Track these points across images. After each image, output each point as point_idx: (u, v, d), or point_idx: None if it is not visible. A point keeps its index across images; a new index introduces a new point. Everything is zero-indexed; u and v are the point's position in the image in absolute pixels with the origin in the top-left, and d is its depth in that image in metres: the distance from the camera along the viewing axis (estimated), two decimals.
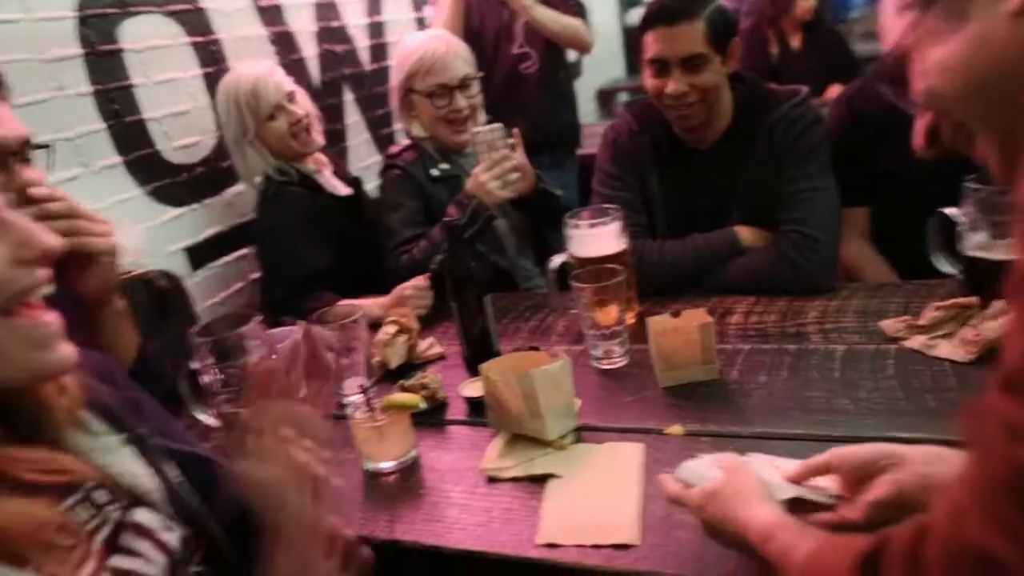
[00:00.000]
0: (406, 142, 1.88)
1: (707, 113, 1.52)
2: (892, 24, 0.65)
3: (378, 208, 1.86)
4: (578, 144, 2.86)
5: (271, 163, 1.79)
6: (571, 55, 3.81)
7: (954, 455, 0.69)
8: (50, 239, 0.61)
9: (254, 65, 1.80)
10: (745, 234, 1.53)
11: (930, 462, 0.71)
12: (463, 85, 1.80)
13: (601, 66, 5.81)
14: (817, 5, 3.40)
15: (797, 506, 0.76)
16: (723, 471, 0.78)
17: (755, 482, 0.75)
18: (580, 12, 2.62)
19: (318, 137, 1.85)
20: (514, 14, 2.57)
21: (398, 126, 2.87)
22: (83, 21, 1.61)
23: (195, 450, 0.84)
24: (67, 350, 0.63)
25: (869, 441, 0.80)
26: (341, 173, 1.98)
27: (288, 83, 1.80)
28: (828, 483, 0.80)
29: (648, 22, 1.48)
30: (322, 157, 1.92)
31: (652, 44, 1.47)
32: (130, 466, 0.72)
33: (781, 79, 3.57)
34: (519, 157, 1.67)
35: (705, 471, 0.82)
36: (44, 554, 0.58)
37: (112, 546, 0.67)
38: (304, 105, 1.82)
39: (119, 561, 0.66)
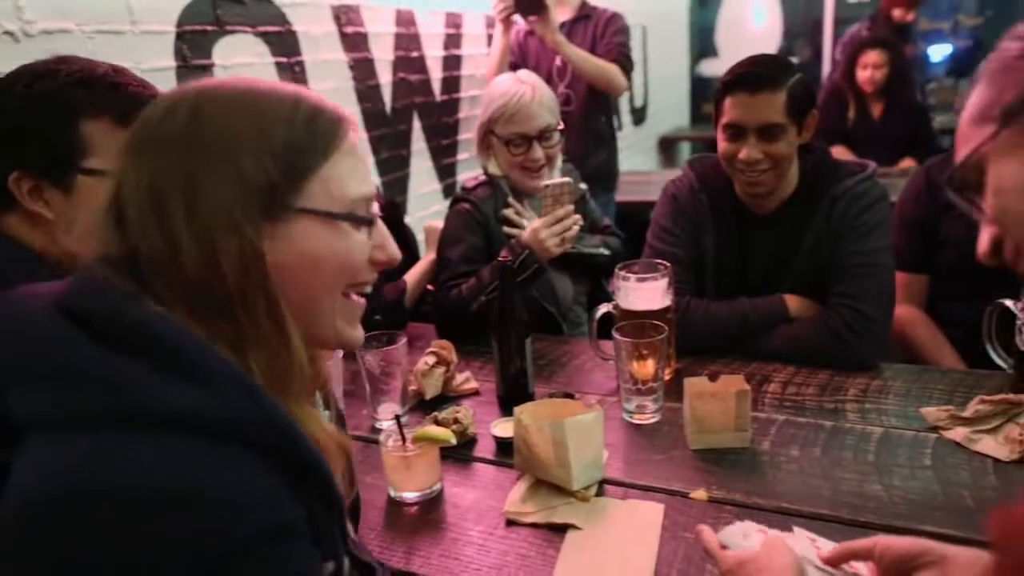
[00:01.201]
0: (482, 177, 1.88)
1: (776, 181, 1.51)
2: (969, 133, 0.65)
3: (441, 237, 1.87)
4: (613, 185, 3.05)
5: None
6: (625, 103, 3.85)
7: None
8: (397, 252, 0.75)
9: (311, 94, 1.87)
10: (794, 303, 1.52)
11: (972, 565, 0.70)
12: (543, 136, 1.78)
13: (666, 114, 5.84)
14: (890, 79, 3.37)
15: None
16: (763, 544, 0.79)
17: (791, 561, 0.75)
18: (621, 61, 2.75)
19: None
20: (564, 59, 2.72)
21: (462, 156, 2.95)
22: (180, 36, 1.72)
23: None
24: (362, 332, 0.75)
25: (898, 531, 0.79)
26: (394, 215, 2.04)
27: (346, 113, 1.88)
28: (864, 570, 0.79)
29: (730, 87, 1.47)
30: None
31: (731, 109, 1.47)
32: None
33: (854, 144, 3.56)
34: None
35: (744, 539, 0.83)
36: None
37: None
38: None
39: None
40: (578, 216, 1.70)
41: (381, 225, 0.74)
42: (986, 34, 5.84)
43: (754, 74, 1.46)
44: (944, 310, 1.78)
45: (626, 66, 2.77)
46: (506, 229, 1.78)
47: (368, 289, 0.74)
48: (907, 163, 3.34)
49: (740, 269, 1.61)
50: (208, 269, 0.59)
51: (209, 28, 1.79)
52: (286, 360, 0.63)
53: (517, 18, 2.73)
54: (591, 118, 2.86)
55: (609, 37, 2.76)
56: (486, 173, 1.87)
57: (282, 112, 0.65)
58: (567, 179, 1.70)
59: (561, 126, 1.83)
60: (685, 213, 1.64)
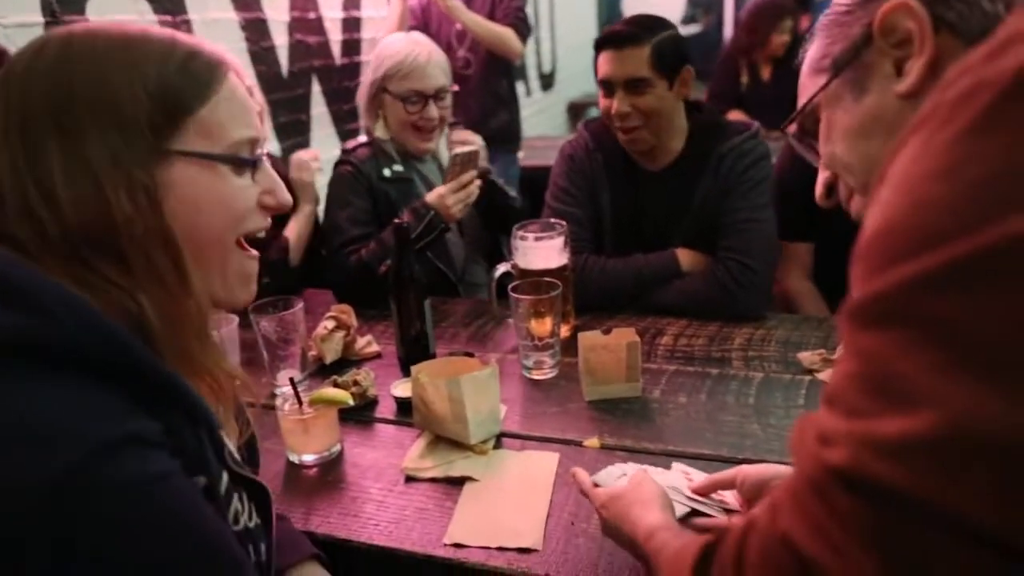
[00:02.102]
0: (363, 139, 1.89)
1: (655, 137, 1.58)
2: (807, 83, 0.70)
3: (327, 201, 1.85)
4: (516, 144, 3.10)
5: None
6: (534, 68, 3.86)
7: None
8: (288, 196, 0.74)
9: None
10: (685, 257, 1.59)
11: None
12: (438, 95, 1.79)
13: (575, 80, 5.88)
14: (791, 42, 3.50)
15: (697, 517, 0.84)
16: (631, 479, 0.84)
17: (656, 491, 0.80)
18: (517, 25, 2.78)
19: (267, 131, 1.88)
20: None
21: (364, 122, 2.89)
22: None
23: None
24: (254, 289, 0.74)
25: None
26: (275, 168, 1.99)
27: (247, 77, 1.81)
28: (730, 497, 0.86)
29: (599, 44, 1.56)
30: None
31: (601, 65, 1.56)
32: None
33: (748, 108, 3.69)
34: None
35: (617, 478, 0.89)
36: (228, 409, 0.71)
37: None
38: (259, 100, 1.84)
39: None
40: (479, 182, 1.73)
41: (270, 169, 0.73)
42: None
43: (620, 31, 1.54)
44: (829, 277, 1.86)
45: (522, 30, 2.80)
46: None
47: (262, 234, 0.73)
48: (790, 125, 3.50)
49: (635, 225, 1.66)
50: (93, 212, 0.59)
51: None
52: (184, 299, 0.63)
53: None
54: (492, 81, 2.89)
55: (507, 2, 2.77)
56: (369, 135, 1.87)
57: (156, 54, 0.64)
58: (475, 148, 1.72)
59: (455, 88, 1.84)
60: (581, 172, 1.68)
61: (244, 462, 0.80)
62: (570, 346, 1.40)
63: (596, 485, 0.88)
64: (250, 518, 0.71)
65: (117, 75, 0.61)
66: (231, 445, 0.71)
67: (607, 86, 1.56)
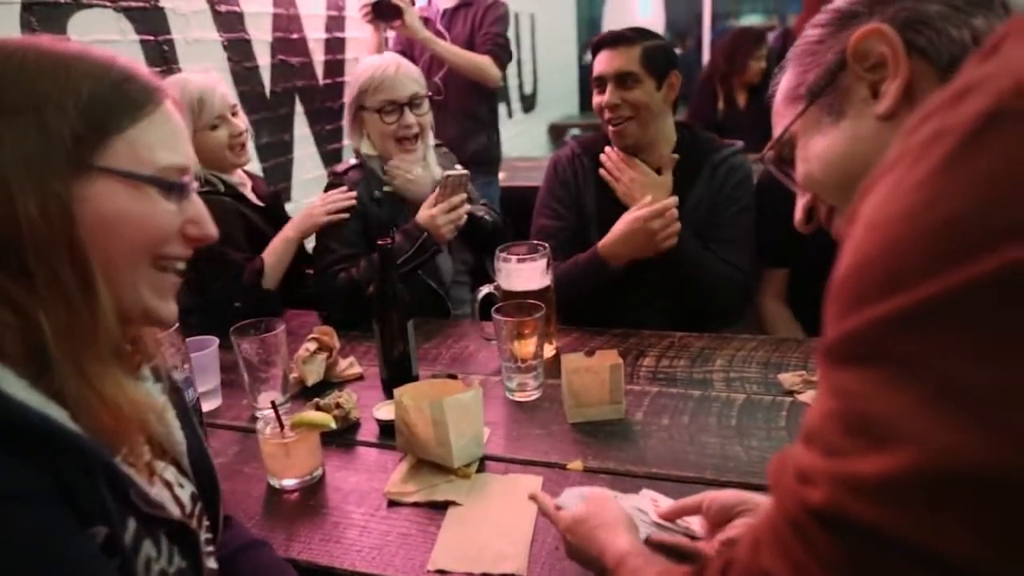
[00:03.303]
0: (353, 161, 1.90)
1: (642, 131, 1.67)
2: (782, 111, 0.72)
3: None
4: (495, 169, 3.12)
5: (200, 171, 1.78)
6: (515, 90, 3.88)
7: None
8: (214, 229, 0.74)
9: (202, 75, 1.79)
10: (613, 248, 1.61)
11: None
12: (412, 103, 1.82)
13: (556, 102, 5.94)
14: (767, 69, 3.58)
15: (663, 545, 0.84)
16: (589, 501, 0.85)
17: (619, 513, 0.81)
18: (495, 51, 2.78)
19: (248, 152, 1.87)
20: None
21: (347, 142, 2.89)
22: (27, 8, 1.59)
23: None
24: (175, 307, 0.73)
25: (756, 488, 0.86)
26: (258, 189, 1.96)
27: (232, 96, 1.81)
28: (695, 524, 0.87)
29: (596, 47, 1.70)
30: (242, 173, 1.92)
31: (596, 65, 1.69)
32: (168, 416, 0.76)
33: (724, 133, 3.75)
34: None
35: (580, 499, 0.89)
36: (136, 442, 0.67)
37: (150, 479, 0.71)
38: (243, 120, 1.84)
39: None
40: (468, 205, 1.77)
41: (198, 200, 0.73)
42: None
43: (614, 33, 1.69)
44: (803, 302, 1.89)
45: (501, 57, 2.80)
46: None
47: (181, 266, 0.72)
48: (768, 151, 3.57)
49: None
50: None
51: (62, 0, 1.66)
52: (87, 317, 0.61)
53: None
54: (470, 104, 2.89)
55: (487, 27, 2.78)
56: (357, 155, 1.90)
57: (91, 70, 0.64)
58: (465, 172, 1.76)
59: (428, 93, 1.88)
60: (563, 182, 1.78)
61: (190, 477, 0.78)
62: (553, 368, 1.40)
63: (558, 508, 0.88)
64: (170, 562, 0.68)
65: (45, 85, 0.61)
66: (142, 483, 0.68)
67: (600, 82, 1.67)
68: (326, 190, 1.86)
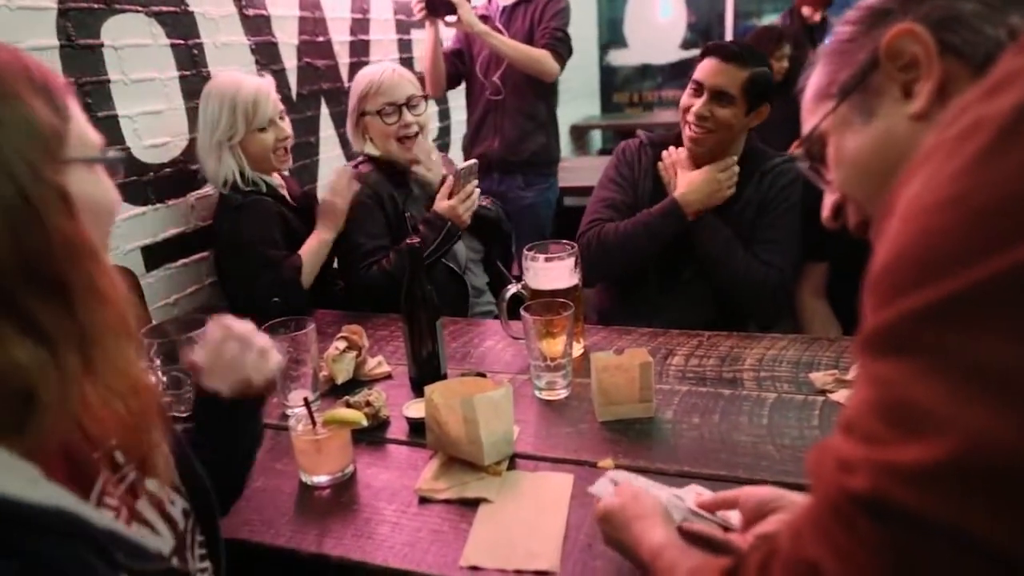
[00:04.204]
0: (361, 157, 2.02)
1: (716, 147, 1.74)
2: (812, 108, 0.71)
3: (345, 222, 1.90)
4: (553, 170, 3.06)
5: (247, 172, 1.84)
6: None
7: None
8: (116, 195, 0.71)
9: (255, 77, 1.88)
10: (687, 196, 1.73)
11: None
12: (410, 104, 1.94)
13: (577, 103, 5.93)
14: (790, 68, 3.54)
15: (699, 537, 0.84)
16: (623, 492, 0.85)
17: (655, 504, 0.82)
18: (554, 45, 2.74)
19: (290, 158, 1.97)
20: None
21: (355, 148, 2.92)
22: (63, 14, 1.62)
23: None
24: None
25: (788, 486, 0.86)
26: (291, 190, 2.03)
27: (280, 102, 1.90)
28: (733, 517, 0.87)
29: (709, 50, 1.73)
30: (279, 177, 2.01)
31: (701, 68, 1.72)
32: None
33: (757, 131, 3.75)
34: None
35: (608, 485, 0.91)
36: (109, 469, 0.66)
37: (131, 510, 0.69)
38: (288, 125, 1.94)
39: (137, 529, 0.68)
40: (478, 190, 1.94)
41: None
42: None
43: (731, 46, 1.73)
44: (841, 296, 1.89)
45: (560, 51, 2.75)
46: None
47: None
48: (797, 149, 3.54)
49: None
50: (16, 244, 0.54)
51: (96, 6, 1.69)
52: (119, 303, 0.61)
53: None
54: (528, 104, 2.85)
55: (547, 22, 2.74)
56: (365, 155, 2.01)
57: (16, 70, 0.60)
58: (473, 161, 1.93)
59: (424, 94, 1.99)
60: (628, 162, 1.87)
61: (195, 503, 0.78)
62: (580, 367, 1.40)
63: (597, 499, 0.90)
64: None
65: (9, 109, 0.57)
66: (129, 535, 0.64)
67: (697, 87, 1.72)
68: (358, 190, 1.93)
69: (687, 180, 1.75)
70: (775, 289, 1.72)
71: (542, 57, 2.72)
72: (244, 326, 0.92)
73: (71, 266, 0.57)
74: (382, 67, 1.96)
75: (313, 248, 1.84)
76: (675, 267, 1.80)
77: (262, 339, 0.93)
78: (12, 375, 0.53)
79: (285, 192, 1.97)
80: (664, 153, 1.85)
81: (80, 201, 0.61)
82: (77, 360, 0.57)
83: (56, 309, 0.56)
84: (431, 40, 2.73)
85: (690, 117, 1.73)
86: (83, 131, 0.65)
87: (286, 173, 2.05)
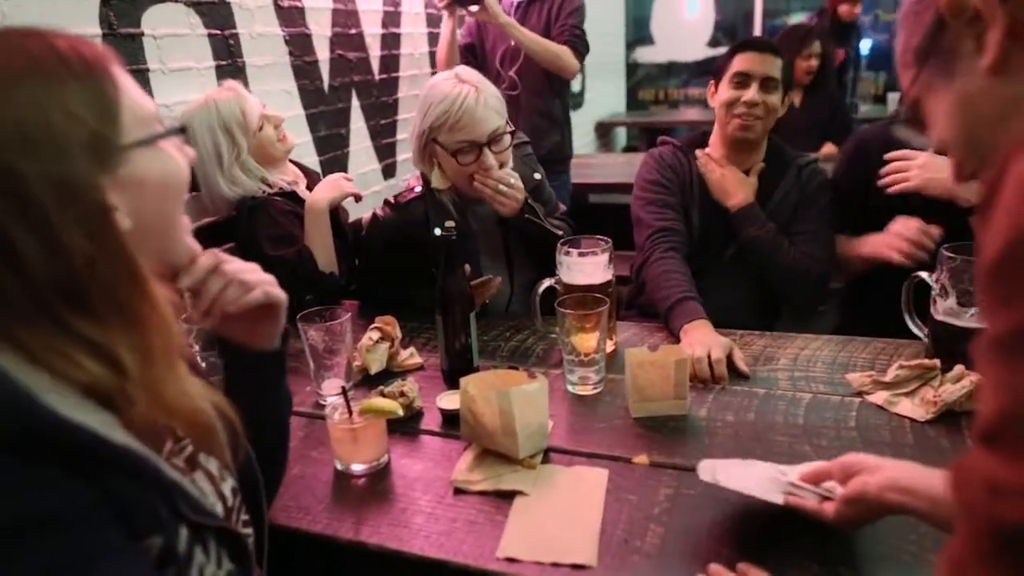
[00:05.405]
0: (417, 188, 1.73)
1: (763, 132, 1.79)
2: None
3: (363, 239, 1.83)
4: (566, 167, 3.07)
5: (267, 176, 1.79)
6: (575, 87, 3.87)
7: (930, 470, 0.80)
8: (193, 152, 0.75)
9: (222, 91, 1.78)
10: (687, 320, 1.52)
11: (901, 468, 0.82)
12: (492, 140, 1.59)
13: (603, 99, 5.91)
14: (820, 66, 3.51)
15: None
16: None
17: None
18: (573, 42, 2.75)
19: (290, 139, 1.89)
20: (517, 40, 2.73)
21: (401, 136, 2.92)
22: (106, 2, 1.64)
23: None
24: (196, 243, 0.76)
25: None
26: (312, 186, 1.92)
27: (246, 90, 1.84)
28: (837, 487, 0.89)
29: (741, 46, 1.80)
30: (296, 170, 1.93)
31: (740, 61, 1.77)
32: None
33: (780, 133, 3.71)
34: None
35: (712, 467, 0.97)
36: (201, 437, 0.70)
37: (189, 478, 0.71)
38: (270, 109, 1.86)
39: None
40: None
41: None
42: None
43: (763, 40, 1.90)
44: (871, 287, 1.86)
45: (579, 48, 2.76)
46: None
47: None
48: (828, 149, 3.49)
49: (723, 208, 1.80)
50: (53, 262, 0.56)
51: None
52: (154, 320, 0.62)
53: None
54: (544, 101, 2.86)
55: (564, 19, 2.75)
56: (424, 180, 1.72)
57: (56, 64, 0.60)
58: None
59: (511, 128, 1.66)
60: (671, 167, 1.85)
61: (242, 482, 0.79)
62: (613, 362, 1.40)
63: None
64: (219, 566, 0.68)
65: (44, 109, 0.58)
66: (190, 488, 0.68)
67: (741, 78, 1.76)
68: (381, 220, 1.76)
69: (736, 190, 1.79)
70: (819, 279, 1.76)
71: (563, 53, 2.73)
72: (238, 264, 0.84)
73: (100, 289, 0.59)
74: (463, 91, 1.57)
75: (309, 228, 1.74)
76: (718, 249, 1.79)
77: (253, 275, 0.86)
78: (82, 378, 0.58)
79: (301, 188, 1.87)
80: (699, 154, 1.85)
81: (147, 181, 0.63)
82: (137, 372, 0.60)
83: (96, 330, 0.58)
84: (448, 32, 2.73)
85: (740, 108, 1.75)
86: (136, 107, 0.66)
87: (308, 165, 2.01)
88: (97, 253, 0.58)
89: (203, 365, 1.19)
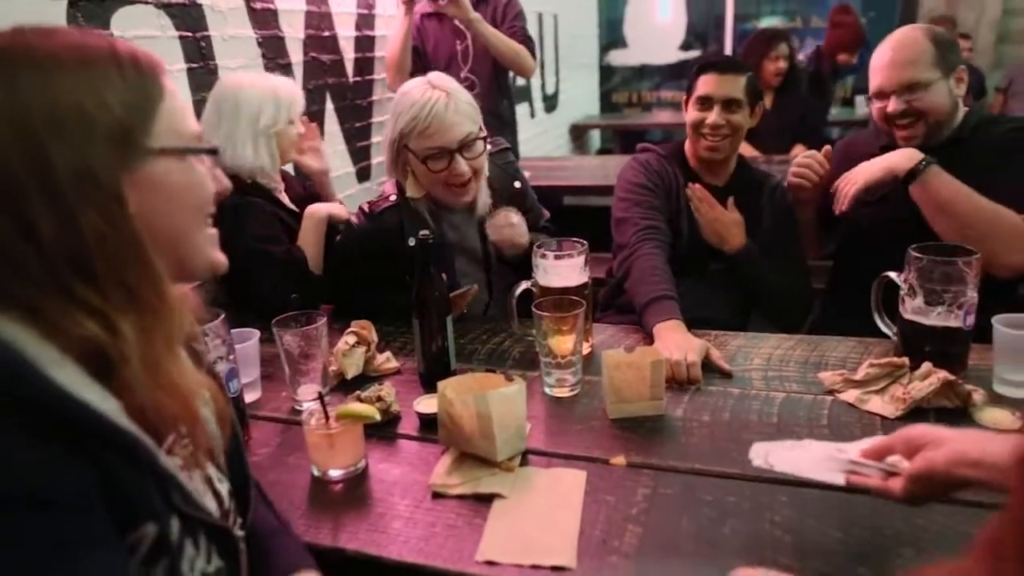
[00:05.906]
0: (392, 196, 1.70)
1: (731, 150, 1.83)
2: None
3: (337, 246, 1.81)
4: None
5: (273, 162, 1.80)
6: (538, 90, 3.87)
7: (993, 436, 0.78)
8: (227, 179, 0.77)
9: (283, 77, 1.90)
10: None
11: (964, 438, 0.79)
12: (464, 147, 1.57)
13: (577, 102, 5.94)
14: (787, 68, 3.56)
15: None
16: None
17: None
18: (526, 43, 2.83)
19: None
20: (465, 42, 2.79)
21: (376, 138, 2.91)
22: (73, 3, 1.61)
23: None
24: (223, 255, 0.76)
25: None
26: (291, 190, 1.95)
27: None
28: (902, 463, 0.86)
29: (704, 67, 1.82)
30: (278, 178, 1.92)
31: (703, 84, 1.80)
32: (206, 410, 0.76)
33: (752, 136, 3.76)
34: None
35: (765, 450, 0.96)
36: (189, 424, 0.69)
37: (187, 474, 0.71)
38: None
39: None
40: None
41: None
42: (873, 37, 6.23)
43: (725, 59, 1.91)
44: (846, 291, 1.90)
45: (531, 48, 2.85)
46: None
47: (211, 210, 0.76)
48: (799, 149, 3.55)
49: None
50: (66, 236, 0.58)
51: None
52: (158, 305, 0.63)
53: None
54: (494, 102, 2.90)
55: (510, 21, 2.80)
56: (399, 188, 1.70)
57: (105, 59, 0.64)
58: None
59: (484, 133, 1.63)
60: (657, 173, 1.85)
61: (226, 473, 0.79)
62: (589, 364, 1.40)
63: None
64: (208, 562, 0.69)
65: (83, 93, 0.60)
66: (184, 481, 0.68)
67: (705, 102, 1.79)
68: (356, 228, 1.74)
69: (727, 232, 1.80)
70: (809, 296, 1.88)
71: (523, 52, 2.79)
72: None
73: (107, 268, 0.60)
74: (433, 96, 1.54)
75: (307, 231, 1.78)
76: (703, 262, 1.81)
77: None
78: (85, 341, 0.59)
79: (281, 195, 1.88)
80: (689, 193, 1.83)
81: (164, 188, 0.65)
82: (135, 345, 0.61)
83: (101, 300, 0.59)
84: (402, 33, 2.71)
85: (705, 130, 1.79)
86: (176, 119, 0.68)
87: (287, 170, 2.01)
88: (109, 232, 0.60)
89: (222, 370, 1.17)
